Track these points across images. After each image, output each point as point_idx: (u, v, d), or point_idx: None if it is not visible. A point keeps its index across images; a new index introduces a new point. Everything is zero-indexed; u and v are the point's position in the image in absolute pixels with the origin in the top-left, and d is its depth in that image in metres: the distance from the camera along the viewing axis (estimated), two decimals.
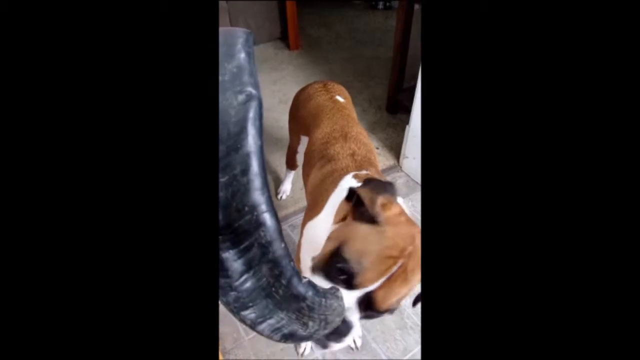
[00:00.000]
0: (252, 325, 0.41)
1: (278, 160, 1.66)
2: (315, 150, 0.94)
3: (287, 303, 0.43)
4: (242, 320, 0.41)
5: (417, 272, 0.55)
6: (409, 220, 0.60)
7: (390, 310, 0.55)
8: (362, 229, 0.57)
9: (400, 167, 1.67)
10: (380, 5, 3.18)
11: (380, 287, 0.53)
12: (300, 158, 1.22)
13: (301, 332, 0.45)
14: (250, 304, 0.40)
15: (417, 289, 0.59)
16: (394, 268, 0.53)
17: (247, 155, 0.36)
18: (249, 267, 0.37)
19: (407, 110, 1.55)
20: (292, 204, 1.54)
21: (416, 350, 1.12)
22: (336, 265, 0.53)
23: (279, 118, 1.92)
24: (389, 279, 0.53)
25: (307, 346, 1.10)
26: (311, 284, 0.46)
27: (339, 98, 1.12)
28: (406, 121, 1.57)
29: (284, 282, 0.41)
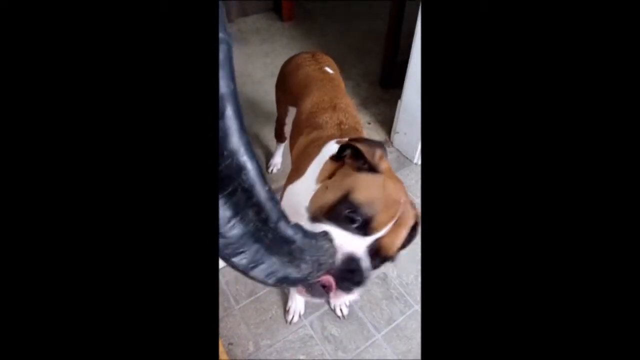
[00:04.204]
0: (245, 271, 0.42)
1: (269, 135, 1.64)
2: (304, 120, 0.95)
3: (278, 246, 0.43)
4: (235, 267, 0.41)
5: (409, 221, 0.59)
6: (396, 176, 0.65)
7: (392, 257, 0.58)
8: (367, 178, 0.60)
9: (392, 143, 1.67)
10: None
11: (388, 233, 0.56)
12: (288, 130, 1.22)
13: (295, 274, 0.46)
14: (241, 250, 0.40)
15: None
16: (398, 213, 0.57)
17: (220, 99, 0.34)
18: (235, 212, 0.37)
19: (400, 86, 1.54)
20: (283, 177, 1.51)
21: (401, 319, 1.16)
22: (346, 212, 0.55)
23: (270, 91, 1.87)
24: (395, 223, 0.56)
25: (295, 314, 1.12)
26: (299, 227, 0.47)
27: (328, 69, 1.11)
28: (399, 96, 1.56)
29: (271, 225, 0.42)
